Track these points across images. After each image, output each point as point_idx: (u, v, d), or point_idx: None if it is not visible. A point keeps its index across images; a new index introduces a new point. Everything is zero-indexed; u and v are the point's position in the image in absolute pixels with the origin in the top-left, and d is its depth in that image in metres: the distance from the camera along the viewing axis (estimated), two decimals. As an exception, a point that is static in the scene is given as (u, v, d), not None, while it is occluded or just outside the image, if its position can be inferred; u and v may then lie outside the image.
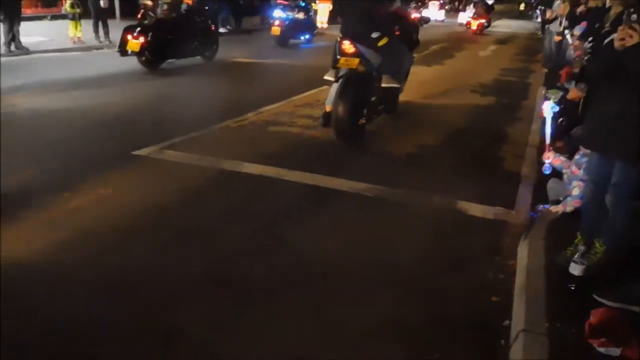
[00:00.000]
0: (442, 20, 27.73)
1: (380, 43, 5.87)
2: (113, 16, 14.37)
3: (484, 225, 3.99)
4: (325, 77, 5.86)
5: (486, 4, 23.90)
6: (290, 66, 11.32)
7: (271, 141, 5.74)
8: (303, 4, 15.09)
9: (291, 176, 4.66)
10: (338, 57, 5.66)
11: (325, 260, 3.34)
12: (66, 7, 11.66)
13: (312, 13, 16.51)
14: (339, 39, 5.78)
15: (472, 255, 3.53)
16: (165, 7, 9.69)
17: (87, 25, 11.78)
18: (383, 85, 6.05)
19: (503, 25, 29.14)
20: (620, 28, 2.64)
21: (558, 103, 6.04)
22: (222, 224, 3.76)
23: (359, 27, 5.83)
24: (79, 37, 11.53)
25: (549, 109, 4.11)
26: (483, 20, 22.52)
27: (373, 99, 6.05)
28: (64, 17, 13.32)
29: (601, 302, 2.73)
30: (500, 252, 3.57)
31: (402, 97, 7.55)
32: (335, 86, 5.73)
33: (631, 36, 2.58)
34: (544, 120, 4.27)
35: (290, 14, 14.35)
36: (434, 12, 26.23)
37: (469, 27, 22.58)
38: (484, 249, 3.61)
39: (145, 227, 3.63)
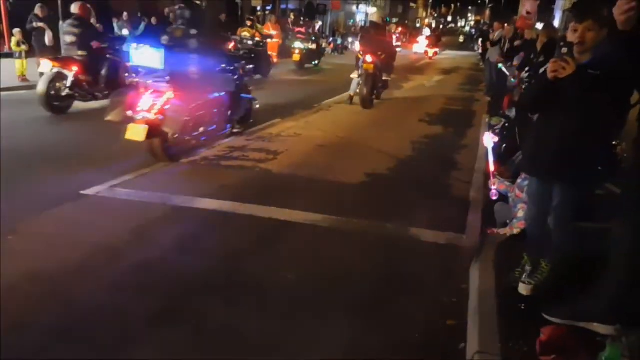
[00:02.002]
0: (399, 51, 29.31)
1: (382, 57, 11.30)
2: (59, 54, 14.13)
3: (436, 251, 4.08)
4: (352, 76, 11.07)
5: (437, 35, 30.52)
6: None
7: (224, 176, 5.71)
8: (313, 37, 19.55)
9: (245, 209, 4.65)
10: (361, 64, 10.74)
11: (281, 290, 3.34)
12: (12, 45, 11.39)
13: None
14: (360, 55, 11.23)
15: (426, 280, 3.60)
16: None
17: (32, 62, 11.51)
18: (383, 78, 11.67)
19: (447, 56, 30.38)
20: (552, 61, 2.82)
21: (501, 130, 6.35)
22: (176, 260, 3.69)
23: (372, 49, 10.90)
24: (24, 75, 11.26)
25: (489, 139, 4.33)
26: (437, 49, 28.32)
27: (379, 85, 11.34)
28: (8, 55, 12.98)
29: (550, 320, 2.82)
30: (453, 276, 3.66)
31: (353, 129, 7.78)
32: (356, 80, 10.83)
33: (564, 68, 2.76)
34: (487, 149, 4.47)
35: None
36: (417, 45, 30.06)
37: (426, 55, 27.22)
38: (437, 274, 3.69)
39: (95, 266, 3.51)
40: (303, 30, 19.04)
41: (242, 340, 2.82)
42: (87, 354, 2.63)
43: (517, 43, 9.29)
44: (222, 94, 6.85)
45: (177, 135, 5.83)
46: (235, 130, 7.48)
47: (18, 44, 11.17)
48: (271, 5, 27.14)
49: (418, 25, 55.03)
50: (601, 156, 3.04)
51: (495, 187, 4.25)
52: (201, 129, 6.32)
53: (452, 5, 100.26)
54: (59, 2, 14.61)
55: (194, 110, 6.06)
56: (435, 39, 29.45)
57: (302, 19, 24.85)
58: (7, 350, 2.57)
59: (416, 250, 4.08)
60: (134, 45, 5.89)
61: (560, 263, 3.18)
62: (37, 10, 11.38)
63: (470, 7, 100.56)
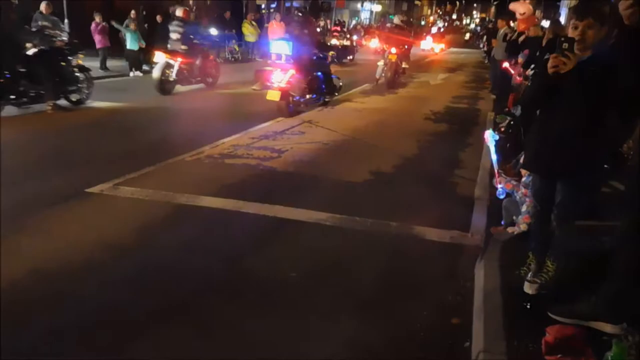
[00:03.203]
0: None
1: (402, 49, 14.11)
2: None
3: (441, 249, 4.07)
4: (378, 63, 13.55)
5: (440, 32, 32.63)
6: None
7: (228, 174, 5.71)
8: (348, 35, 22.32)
9: (250, 208, 4.64)
10: (387, 55, 13.31)
11: (287, 289, 3.34)
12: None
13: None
14: (385, 48, 13.78)
15: (431, 278, 3.59)
16: None
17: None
18: (403, 65, 14.40)
19: (452, 54, 30.30)
20: (552, 56, 2.81)
21: (506, 128, 6.31)
22: (181, 258, 3.70)
23: (395, 43, 13.53)
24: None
25: (491, 136, 4.31)
26: (443, 45, 29.76)
27: (400, 70, 14.05)
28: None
29: (556, 319, 2.81)
30: (457, 274, 3.64)
31: (358, 125, 8.02)
32: (381, 66, 13.39)
33: (565, 63, 2.75)
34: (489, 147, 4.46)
35: None
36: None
37: (433, 51, 28.16)
38: (442, 272, 3.68)
39: (100, 265, 3.52)
40: (338, 29, 21.15)
41: (245, 338, 2.82)
42: (89, 352, 2.64)
43: (521, 39, 9.23)
44: (320, 73, 9.84)
45: (297, 98, 9.03)
46: (326, 100, 10.29)
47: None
48: (275, 3, 27.10)
49: (423, 22, 54.92)
50: (605, 153, 3.02)
51: (502, 186, 4.23)
52: (308, 96, 9.46)
53: (457, 3, 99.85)
54: (64, 2, 14.72)
55: (307, 82, 9.33)
56: (440, 36, 31.05)
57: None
58: (7, 349, 2.58)
59: (421, 249, 4.06)
60: (273, 40, 9.84)
61: (565, 261, 3.17)
62: (43, 7, 11.38)
63: (475, 5, 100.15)
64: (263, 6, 25.68)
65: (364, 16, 43.00)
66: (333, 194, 5.23)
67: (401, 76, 14.60)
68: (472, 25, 76.52)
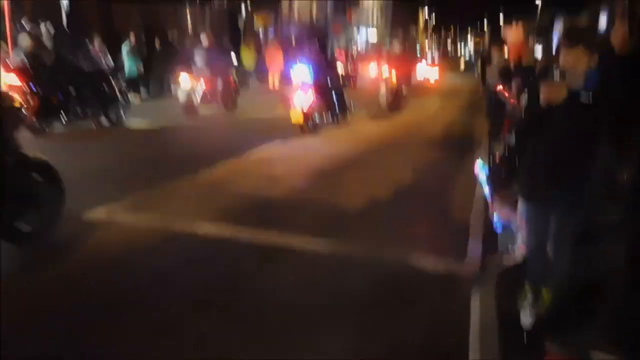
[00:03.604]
0: None
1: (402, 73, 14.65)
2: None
3: (436, 278, 4.03)
4: (380, 87, 14.17)
5: (434, 59, 32.66)
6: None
7: (224, 199, 5.69)
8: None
9: (245, 234, 4.62)
10: (388, 79, 13.91)
11: (281, 317, 3.30)
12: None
13: None
14: (387, 73, 14.33)
15: (426, 308, 3.55)
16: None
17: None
18: (403, 89, 14.53)
19: (447, 79, 30.60)
20: (545, 85, 2.84)
21: (502, 154, 6.32)
22: (172, 284, 3.66)
23: (395, 69, 14.10)
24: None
25: (481, 166, 4.31)
26: (437, 68, 29.21)
27: (400, 93, 14.29)
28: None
29: (553, 349, 2.77)
30: (453, 304, 3.61)
31: (352, 151, 8.07)
32: (383, 89, 14.02)
33: (556, 92, 2.78)
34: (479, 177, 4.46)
35: None
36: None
37: (428, 77, 27.54)
38: (438, 301, 3.64)
39: (88, 289, 3.48)
40: (343, 53, 21.12)
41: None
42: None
43: (513, 67, 9.31)
44: (334, 94, 10.54)
45: (316, 118, 9.90)
46: (339, 119, 10.84)
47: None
48: (273, 28, 27.46)
49: (418, 48, 55.69)
50: (599, 182, 3.03)
51: (497, 215, 4.22)
52: (325, 116, 10.35)
53: (452, 30, 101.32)
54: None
55: (324, 103, 10.11)
56: (434, 63, 31.10)
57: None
58: None
59: (416, 277, 4.03)
60: (295, 64, 10.25)
61: (562, 291, 3.14)
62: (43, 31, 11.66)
63: (469, 32, 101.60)
64: (261, 31, 26.03)
65: (360, 42, 43.53)
66: (328, 220, 5.21)
67: (403, 99, 15.07)
68: (467, 52, 77.49)
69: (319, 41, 11.36)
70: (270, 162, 7.56)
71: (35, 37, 9.02)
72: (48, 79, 8.77)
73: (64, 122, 9.14)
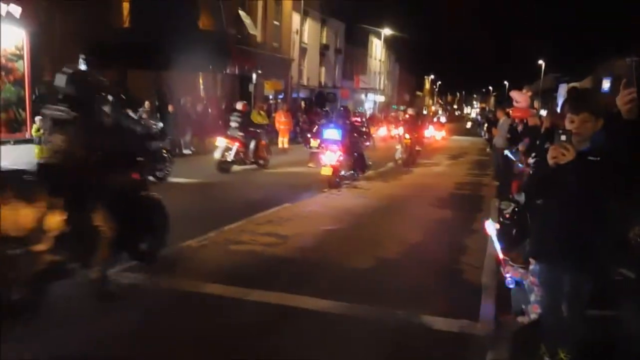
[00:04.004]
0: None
1: (416, 135, 16.90)
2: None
3: (450, 339, 3.95)
4: (396, 147, 16.30)
5: (439, 120, 33.08)
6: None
7: (233, 260, 5.68)
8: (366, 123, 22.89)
9: (253, 295, 4.58)
10: (403, 140, 15.86)
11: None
12: (33, 131, 11.87)
13: None
14: (402, 134, 16.24)
15: (440, 371, 3.46)
16: None
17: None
18: (416, 148, 16.85)
19: (454, 142, 31.01)
20: (552, 147, 2.89)
21: (511, 214, 6.32)
22: (184, 346, 3.61)
23: (410, 130, 16.27)
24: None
25: (491, 226, 4.32)
26: (444, 133, 30.84)
27: (414, 152, 16.61)
28: (28, 141, 13.48)
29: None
30: (467, 366, 3.51)
31: (360, 212, 8.15)
32: (399, 150, 15.92)
33: (564, 154, 2.82)
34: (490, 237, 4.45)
35: None
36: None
37: (434, 138, 28.43)
38: (451, 364, 3.55)
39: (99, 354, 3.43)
40: (359, 119, 21.73)
41: None
42: None
43: (520, 128, 9.47)
44: (356, 153, 11.84)
45: (342, 173, 11.02)
46: (360, 175, 12.15)
47: (38, 130, 11.63)
48: (282, 93, 28.24)
49: (425, 112, 56.83)
50: (610, 241, 3.02)
51: (510, 275, 4.18)
52: (349, 172, 11.46)
53: (458, 93, 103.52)
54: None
55: (349, 160, 11.32)
56: (441, 125, 31.94)
57: (313, 107, 26.23)
58: None
59: (428, 339, 3.95)
60: (325, 127, 11.63)
61: (579, 352, 3.06)
62: (146, 104, 13.07)
63: (475, 95, 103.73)
64: (271, 96, 26.79)
65: (368, 106, 44.55)
66: (338, 280, 5.17)
67: (417, 157, 16.94)
68: (473, 114, 78.88)
69: (344, 108, 13.54)
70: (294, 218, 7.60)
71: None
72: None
73: None
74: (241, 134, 13.13)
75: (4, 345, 3.10)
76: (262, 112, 20.22)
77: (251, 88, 23.09)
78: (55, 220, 3.74)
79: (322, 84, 38.05)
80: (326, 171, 10.57)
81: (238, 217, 7.45)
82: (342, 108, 13.80)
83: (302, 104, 30.66)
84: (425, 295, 4.86)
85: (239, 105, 14.26)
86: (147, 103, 15.16)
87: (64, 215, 3.80)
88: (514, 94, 5.09)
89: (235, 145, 12.75)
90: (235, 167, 12.83)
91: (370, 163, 12.79)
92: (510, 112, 10.21)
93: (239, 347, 3.65)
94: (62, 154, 4.07)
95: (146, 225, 4.93)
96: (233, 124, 13.38)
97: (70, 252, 3.91)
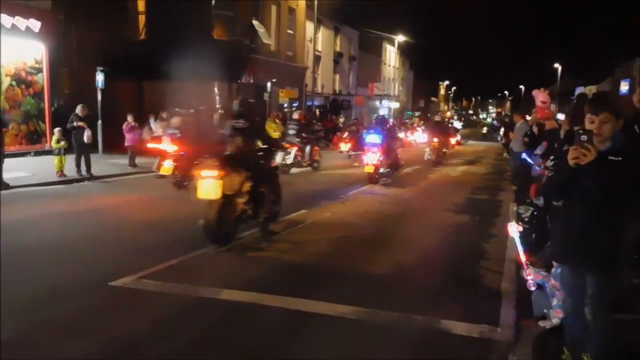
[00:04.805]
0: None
1: (443, 139, 20.02)
2: (96, 150, 15.08)
3: (470, 344, 3.90)
4: (425, 149, 19.72)
5: (454, 127, 32.86)
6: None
7: (250, 266, 5.70)
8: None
9: (271, 301, 4.58)
10: (431, 143, 19.22)
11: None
12: (52, 143, 12.03)
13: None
14: (431, 138, 19.55)
15: (460, 376, 3.42)
16: None
17: (70, 159, 12.07)
18: (443, 150, 20.12)
19: (471, 146, 30.82)
20: (572, 148, 2.85)
21: (530, 218, 6.25)
22: (202, 353, 3.61)
23: (437, 134, 19.27)
24: (62, 171, 11.76)
25: (513, 229, 4.28)
26: (458, 138, 30.93)
27: (441, 154, 19.68)
28: (47, 152, 13.68)
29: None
30: (489, 372, 3.47)
31: (375, 217, 8.15)
32: (428, 151, 19.20)
33: (585, 155, 2.78)
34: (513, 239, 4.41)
35: None
36: (418, 136, 30.68)
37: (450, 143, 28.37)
38: (472, 370, 3.51)
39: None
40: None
41: None
42: None
43: (537, 132, 9.37)
44: (392, 154, 13.52)
45: (381, 171, 12.68)
46: (393, 173, 13.42)
47: (58, 141, 11.78)
48: (297, 102, 28.36)
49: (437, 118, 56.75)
50: (632, 241, 2.96)
51: (531, 278, 4.13)
52: (387, 170, 12.94)
53: (473, 99, 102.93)
54: (99, 104, 15.73)
55: (387, 160, 12.98)
56: (454, 130, 31.63)
57: (327, 114, 26.35)
58: None
59: (448, 344, 3.90)
60: (367, 133, 13.59)
61: (602, 356, 3.00)
62: (79, 110, 12.25)
63: (490, 100, 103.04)
64: (286, 104, 26.93)
65: (382, 113, 44.55)
66: (356, 286, 5.14)
67: (443, 158, 19.42)
68: (489, 120, 78.38)
69: (381, 117, 15.84)
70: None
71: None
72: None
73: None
74: (298, 139, 15.00)
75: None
76: (277, 121, 20.38)
77: (266, 97, 23.25)
78: (247, 185, 6.46)
79: (337, 91, 38.14)
80: (369, 169, 12.51)
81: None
82: (380, 117, 16.19)
83: (317, 111, 30.75)
84: (445, 299, 4.81)
85: (296, 115, 17.01)
86: (164, 114, 15.34)
87: (250, 183, 6.48)
88: (536, 93, 5.07)
89: (294, 150, 14.61)
90: (294, 170, 14.40)
91: (403, 162, 14.54)
92: (533, 112, 10.10)
93: (255, 351, 3.65)
94: (241, 148, 6.56)
95: (279, 195, 7.22)
96: (291, 131, 15.24)
97: (252, 204, 6.61)
